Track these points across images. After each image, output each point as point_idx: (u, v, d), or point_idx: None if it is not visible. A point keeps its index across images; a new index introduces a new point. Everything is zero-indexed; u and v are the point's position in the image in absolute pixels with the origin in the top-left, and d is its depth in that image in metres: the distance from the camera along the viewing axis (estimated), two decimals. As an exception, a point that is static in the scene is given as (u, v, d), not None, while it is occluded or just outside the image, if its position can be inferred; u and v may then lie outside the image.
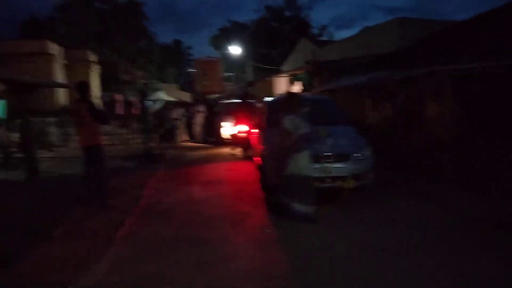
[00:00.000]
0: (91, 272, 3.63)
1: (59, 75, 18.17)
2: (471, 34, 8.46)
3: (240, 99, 12.11)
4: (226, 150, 11.85)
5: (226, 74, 35.44)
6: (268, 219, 5.20)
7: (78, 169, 8.80)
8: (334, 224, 4.88)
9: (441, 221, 4.90)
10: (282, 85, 20.49)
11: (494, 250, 3.95)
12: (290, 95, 5.51)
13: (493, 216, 4.88)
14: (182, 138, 14.01)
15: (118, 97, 20.47)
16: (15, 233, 4.68)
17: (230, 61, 36.07)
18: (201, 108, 14.19)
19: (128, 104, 19.37)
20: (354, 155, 5.68)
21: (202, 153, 11.90)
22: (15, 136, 12.69)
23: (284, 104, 5.17)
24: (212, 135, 14.52)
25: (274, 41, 32.38)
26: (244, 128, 10.40)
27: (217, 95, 21.32)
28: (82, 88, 5.77)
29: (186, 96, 29.90)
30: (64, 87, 15.45)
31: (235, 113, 11.17)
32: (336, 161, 5.54)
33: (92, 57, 20.53)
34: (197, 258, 3.92)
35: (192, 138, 14.15)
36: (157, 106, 22.63)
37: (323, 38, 32.89)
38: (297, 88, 16.95)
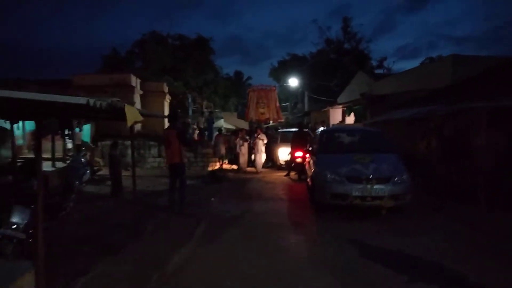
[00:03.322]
0: (182, 253, 4.90)
1: (138, 105, 20.55)
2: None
3: (297, 128, 13.26)
4: (282, 173, 13.04)
5: (282, 104, 36.81)
6: (315, 227, 6.27)
7: (152, 185, 10.44)
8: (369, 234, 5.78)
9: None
10: (337, 115, 21.39)
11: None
12: None
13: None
14: (243, 162, 15.32)
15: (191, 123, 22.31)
16: (117, 229, 6.08)
17: (287, 92, 37.58)
18: (262, 135, 15.38)
19: (195, 131, 21.15)
20: (393, 178, 6.56)
21: (260, 176, 13.14)
22: (99, 156, 14.87)
23: None
24: (269, 161, 15.72)
25: (332, 72, 33.30)
26: (299, 154, 11.49)
27: (272, 123, 22.40)
28: (172, 117, 7.29)
29: (243, 124, 31.68)
30: (163, 117, 17.38)
31: (292, 141, 12.31)
32: (376, 183, 6.45)
33: (165, 88, 22.90)
34: (257, 249, 5.13)
35: (251, 163, 15.39)
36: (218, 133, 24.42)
37: (380, 71, 33.38)
38: (351, 119, 17.82)
